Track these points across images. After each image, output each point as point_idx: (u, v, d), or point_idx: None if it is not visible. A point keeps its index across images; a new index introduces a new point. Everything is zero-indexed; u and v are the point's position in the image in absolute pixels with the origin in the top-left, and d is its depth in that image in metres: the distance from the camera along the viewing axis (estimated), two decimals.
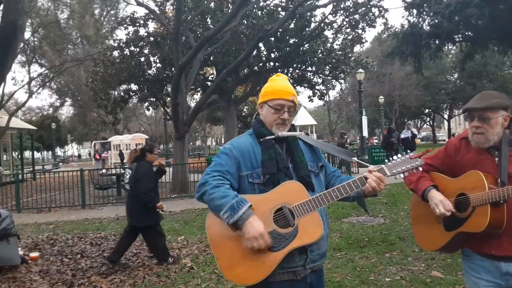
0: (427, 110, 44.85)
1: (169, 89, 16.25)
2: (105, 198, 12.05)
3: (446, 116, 46.21)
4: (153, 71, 17.52)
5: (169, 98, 17.79)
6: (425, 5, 7.41)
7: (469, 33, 7.76)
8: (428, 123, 51.51)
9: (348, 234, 6.33)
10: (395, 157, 1.89)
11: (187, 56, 11.48)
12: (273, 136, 1.97)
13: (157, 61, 17.17)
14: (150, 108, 21.79)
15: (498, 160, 1.97)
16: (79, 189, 11.06)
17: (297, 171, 1.94)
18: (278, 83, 2.04)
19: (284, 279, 1.86)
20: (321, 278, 2.03)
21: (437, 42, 7.77)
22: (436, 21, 7.12)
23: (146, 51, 17.10)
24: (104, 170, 13.42)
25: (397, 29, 14.47)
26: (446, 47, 9.69)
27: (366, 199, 1.98)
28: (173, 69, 14.44)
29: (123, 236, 5.47)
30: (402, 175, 1.88)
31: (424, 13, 7.55)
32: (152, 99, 19.03)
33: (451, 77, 41.61)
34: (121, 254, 5.36)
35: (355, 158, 2.19)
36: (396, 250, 5.41)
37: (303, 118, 32.56)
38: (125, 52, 16.61)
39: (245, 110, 35.46)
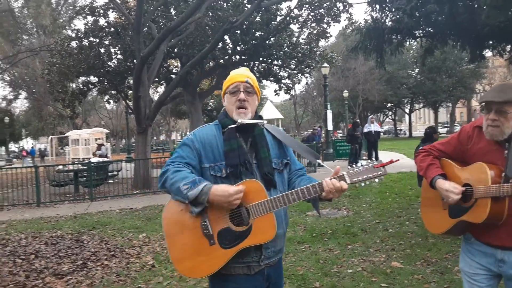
0: (389, 104, 46.18)
1: (131, 82, 15.76)
2: (61, 196, 11.55)
3: (407, 110, 47.81)
4: (113, 62, 16.96)
5: (130, 91, 17.27)
6: (387, 0, 7.55)
7: (429, 29, 7.98)
8: (390, 117, 53.15)
9: (312, 227, 6.37)
10: (358, 164, 1.85)
11: (149, 48, 11.14)
12: (234, 126, 1.91)
13: (118, 52, 16.63)
14: (111, 101, 21.14)
15: (507, 153, 1.97)
16: (34, 186, 10.52)
17: (261, 168, 1.91)
18: (234, 72, 2.04)
19: (238, 272, 1.88)
20: (278, 269, 2.05)
21: (398, 37, 7.94)
22: (398, 16, 7.25)
23: (106, 42, 16.50)
24: (61, 166, 12.82)
25: (361, 24, 14.71)
26: (408, 43, 9.95)
27: None
28: (134, 60, 14.00)
29: None
30: (365, 183, 1.86)
31: (387, 8, 7.69)
32: (112, 92, 18.45)
33: (412, 72, 43.02)
34: None
35: (320, 161, 2.18)
36: (358, 242, 5.50)
37: (269, 111, 32.55)
38: (83, 43, 15.94)
39: (211, 103, 35.08)
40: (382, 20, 7.86)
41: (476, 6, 6.42)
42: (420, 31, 8.33)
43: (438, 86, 38.31)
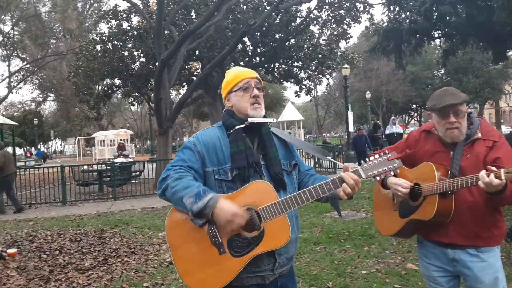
0: (414, 106, 45.24)
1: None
2: (86, 195, 11.91)
3: None
4: (137, 65, 17.24)
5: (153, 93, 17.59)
6: (404, 1, 7.44)
7: (448, 30, 7.82)
8: (415, 118, 52.06)
9: (329, 228, 6.36)
10: (371, 158, 1.76)
11: (169, 51, 11.36)
12: (242, 126, 1.80)
13: (141, 55, 16.91)
14: (135, 103, 21.54)
15: (453, 153, 2.05)
16: (60, 186, 10.91)
17: (270, 168, 1.79)
18: (235, 70, 1.95)
19: (251, 283, 1.75)
20: (292, 278, 1.94)
21: (416, 38, 7.80)
22: (413, 18, 7.14)
23: (129, 45, 16.81)
24: (86, 166, 13.22)
25: (380, 25, 14.52)
26: (430, 43, 9.76)
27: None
28: (156, 63, 14.29)
29: None
30: (378, 178, 1.76)
31: (403, 9, 7.58)
32: (136, 94, 18.79)
33: (438, 73, 42.02)
34: None
35: (330, 157, 2.15)
36: (374, 243, 5.47)
37: (290, 113, 32.50)
38: (107, 46, 16.32)
39: None
40: (400, 21, 7.75)
41: (495, 6, 6.25)
42: (439, 32, 8.16)
43: (464, 87, 37.12)
